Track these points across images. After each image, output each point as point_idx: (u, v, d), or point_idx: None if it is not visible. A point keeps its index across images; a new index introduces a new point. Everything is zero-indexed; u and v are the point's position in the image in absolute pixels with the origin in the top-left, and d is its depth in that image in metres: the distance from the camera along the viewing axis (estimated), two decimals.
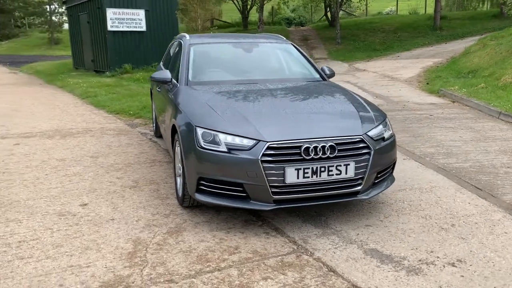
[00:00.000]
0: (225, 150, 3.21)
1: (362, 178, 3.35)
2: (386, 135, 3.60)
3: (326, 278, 2.70)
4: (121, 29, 15.32)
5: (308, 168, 3.18)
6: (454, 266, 2.83)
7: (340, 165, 3.25)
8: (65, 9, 24.30)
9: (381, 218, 3.60)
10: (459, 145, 5.53)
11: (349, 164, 3.27)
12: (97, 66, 16.34)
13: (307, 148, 3.18)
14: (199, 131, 3.33)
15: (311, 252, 3.04)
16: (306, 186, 3.24)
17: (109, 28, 15.10)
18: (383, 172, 3.60)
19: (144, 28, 15.68)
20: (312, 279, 2.69)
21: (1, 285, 2.63)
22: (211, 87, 4.14)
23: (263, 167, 3.12)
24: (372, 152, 3.35)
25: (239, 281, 2.66)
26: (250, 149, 3.17)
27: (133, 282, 2.64)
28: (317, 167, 3.19)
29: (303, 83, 4.46)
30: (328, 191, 3.30)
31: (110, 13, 15.06)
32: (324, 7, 27.08)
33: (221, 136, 3.25)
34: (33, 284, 2.63)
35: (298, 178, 3.18)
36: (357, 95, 4.19)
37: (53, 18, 34.57)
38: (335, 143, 3.26)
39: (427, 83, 10.53)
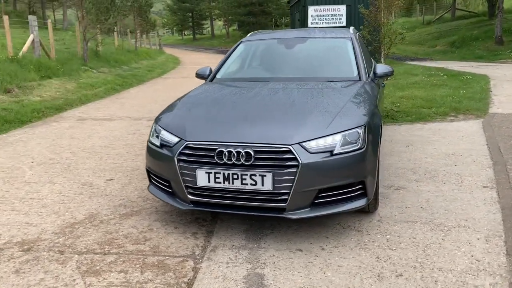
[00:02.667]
0: (158, 145, 3.31)
1: (287, 194, 2.90)
2: (344, 148, 2.96)
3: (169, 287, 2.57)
4: (320, 25, 15.77)
5: (220, 173, 2.97)
6: None
7: (255, 175, 2.90)
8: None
9: (324, 246, 3.01)
10: None
11: (265, 176, 2.88)
12: None
13: (221, 152, 2.97)
14: (154, 126, 3.50)
15: (201, 261, 2.87)
16: (220, 192, 3.02)
17: (309, 25, 15.76)
18: (333, 191, 2.99)
19: (344, 24, 15.71)
20: (156, 284, 2.60)
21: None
22: (221, 86, 4.17)
23: (178, 166, 3.08)
24: (300, 166, 2.85)
25: (99, 267, 2.80)
26: (173, 146, 3.17)
27: None
28: (228, 173, 2.95)
29: (322, 83, 3.97)
30: (248, 202, 3.00)
31: (312, 10, 15.69)
32: None
33: (162, 132, 3.35)
34: None
35: (209, 182, 3.00)
36: (363, 98, 3.53)
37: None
38: (253, 150, 2.92)
39: None
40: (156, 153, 3.28)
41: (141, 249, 3.03)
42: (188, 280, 2.66)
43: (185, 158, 3.07)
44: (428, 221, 3.35)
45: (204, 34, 70.48)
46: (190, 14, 63.18)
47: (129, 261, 2.87)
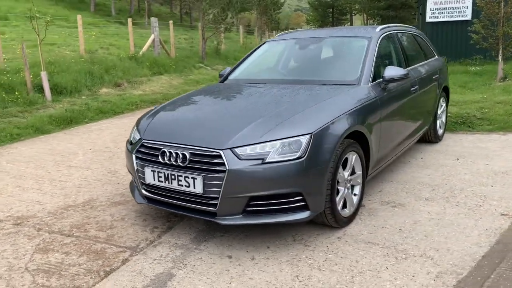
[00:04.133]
0: (129, 142, 3.54)
1: (217, 199, 2.87)
2: (282, 157, 2.81)
3: (86, 275, 2.77)
4: (440, 19, 14.39)
5: (161, 172, 3.08)
6: None
7: (188, 177, 2.93)
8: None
9: (257, 256, 2.90)
10: None
11: (196, 179, 2.90)
12: None
13: (164, 152, 3.07)
14: (136, 125, 3.74)
15: (135, 254, 3.02)
16: (164, 191, 3.13)
17: (428, 20, 14.50)
18: (268, 200, 2.85)
19: (468, 17, 14.08)
20: (80, 268, 2.84)
21: None
22: (214, 88, 4.22)
23: (135, 162, 3.28)
24: (227, 171, 2.80)
25: (53, 246, 3.14)
26: (135, 143, 3.37)
27: None
28: (168, 173, 3.04)
29: (312, 86, 3.73)
30: (185, 203, 3.05)
31: (431, 3, 14.41)
32: None
33: (134, 130, 3.56)
34: None
35: (154, 180, 3.14)
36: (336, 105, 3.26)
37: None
38: (189, 153, 2.96)
39: None
40: (126, 150, 3.53)
41: (98, 236, 3.31)
42: (110, 269, 2.84)
43: (140, 155, 3.25)
44: (391, 246, 2.98)
45: None
46: (331, 9, 62.91)
47: (79, 245, 3.17)
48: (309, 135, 2.90)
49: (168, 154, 3.03)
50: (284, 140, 2.86)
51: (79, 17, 11.69)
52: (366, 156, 3.52)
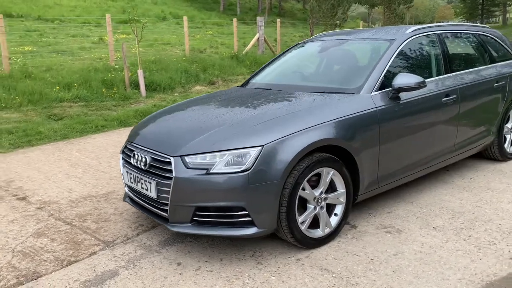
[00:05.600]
0: None
1: (167, 205, 2.90)
2: (229, 168, 2.71)
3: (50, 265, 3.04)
4: None
5: (131, 174, 3.21)
6: None
7: (147, 181, 3.01)
8: None
9: (205, 267, 2.84)
10: None
11: (151, 183, 2.96)
12: None
13: (134, 155, 3.19)
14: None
15: (104, 250, 3.20)
16: (135, 192, 3.25)
17: None
18: (214, 212, 2.78)
19: None
20: (51, 254, 3.11)
21: None
22: (223, 93, 4.18)
23: (120, 162, 3.47)
24: (173, 179, 2.80)
25: (48, 232, 3.50)
26: (125, 143, 3.56)
27: None
28: (135, 176, 3.15)
29: (309, 94, 3.46)
30: (148, 205, 3.13)
31: None
32: None
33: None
34: None
35: (128, 180, 3.28)
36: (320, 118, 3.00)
37: None
38: (150, 157, 3.03)
39: None
40: None
41: (89, 227, 3.59)
42: (73, 260, 3.06)
43: (124, 156, 3.43)
44: (344, 277, 2.67)
45: (492, 23, 62.17)
46: (481, 1, 56.88)
47: (68, 233, 3.48)
48: (260, 147, 2.74)
49: (136, 156, 3.15)
50: (234, 151, 2.76)
51: (185, 18, 12.57)
52: (356, 173, 3.18)
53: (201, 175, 2.75)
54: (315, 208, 2.99)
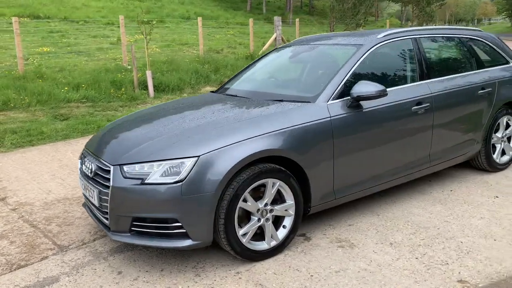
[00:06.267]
0: None
1: (107, 213, 2.89)
2: (164, 179, 2.68)
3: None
4: None
5: (82, 180, 3.23)
6: None
7: (91, 188, 3.02)
8: None
9: (144, 278, 2.82)
10: None
11: (94, 191, 2.96)
12: None
13: (84, 161, 3.21)
14: None
15: (57, 254, 3.23)
16: (86, 198, 3.27)
17: None
18: (150, 223, 2.75)
19: None
20: (2, 257, 3.18)
21: None
22: (191, 99, 4.15)
23: (78, 168, 3.50)
24: (110, 188, 2.80)
25: (11, 234, 3.57)
26: None
27: None
28: (84, 182, 3.17)
29: (263, 102, 3.38)
30: (96, 212, 3.13)
31: None
32: None
33: None
34: None
35: (81, 186, 3.31)
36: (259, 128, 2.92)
37: None
38: (96, 165, 3.04)
39: None
40: None
41: (51, 231, 3.64)
42: (23, 264, 3.11)
43: (80, 162, 3.46)
44: None
45: None
46: None
47: (29, 236, 3.54)
48: (195, 158, 2.69)
49: (86, 163, 3.17)
50: (170, 161, 2.72)
51: (199, 19, 12.63)
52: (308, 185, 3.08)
53: (137, 185, 2.73)
54: (259, 220, 2.92)
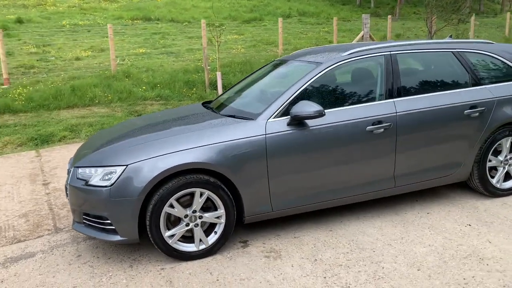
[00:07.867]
0: None
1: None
2: (101, 182, 3.19)
3: None
4: None
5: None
6: None
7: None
8: None
9: (99, 280, 3.37)
10: None
11: (66, 188, 3.60)
12: None
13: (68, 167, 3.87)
14: None
15: (49, 233, 3.96)
16: None
17: None
18: (93, 218, 3.29)
19: None
20: None
21: None
22: (180, 109, 4.55)
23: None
24: (67, 186, 3.41)
25: None
26: None
27: None
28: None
29: (219, 117, 3.68)
30: None
31: None
32: None
33: None
34: None
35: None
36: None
37: None
38: (69, 166, 3.67)
39: None
40: None
41: (59, 214, 4.41)
42: (23, 239, 3.90)
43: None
44: None
45: None
46: None
47: (42, 217, 4.34)
48: (124, 166, 3.15)
49: (70, 162, 3.84)
50: (107, 168, 3.23)
51: (280, 19, 12.95)
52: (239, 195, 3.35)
53: (82, 185, 3.29)
54: (187, 224, 3.27)
